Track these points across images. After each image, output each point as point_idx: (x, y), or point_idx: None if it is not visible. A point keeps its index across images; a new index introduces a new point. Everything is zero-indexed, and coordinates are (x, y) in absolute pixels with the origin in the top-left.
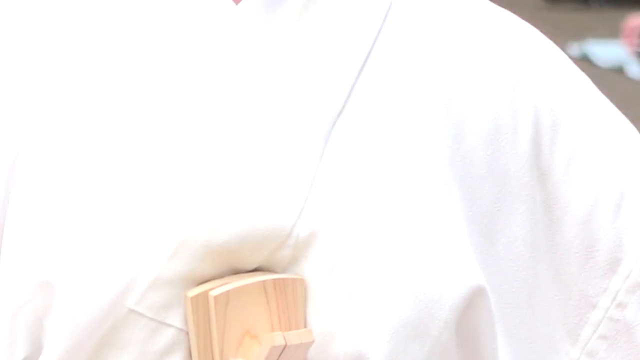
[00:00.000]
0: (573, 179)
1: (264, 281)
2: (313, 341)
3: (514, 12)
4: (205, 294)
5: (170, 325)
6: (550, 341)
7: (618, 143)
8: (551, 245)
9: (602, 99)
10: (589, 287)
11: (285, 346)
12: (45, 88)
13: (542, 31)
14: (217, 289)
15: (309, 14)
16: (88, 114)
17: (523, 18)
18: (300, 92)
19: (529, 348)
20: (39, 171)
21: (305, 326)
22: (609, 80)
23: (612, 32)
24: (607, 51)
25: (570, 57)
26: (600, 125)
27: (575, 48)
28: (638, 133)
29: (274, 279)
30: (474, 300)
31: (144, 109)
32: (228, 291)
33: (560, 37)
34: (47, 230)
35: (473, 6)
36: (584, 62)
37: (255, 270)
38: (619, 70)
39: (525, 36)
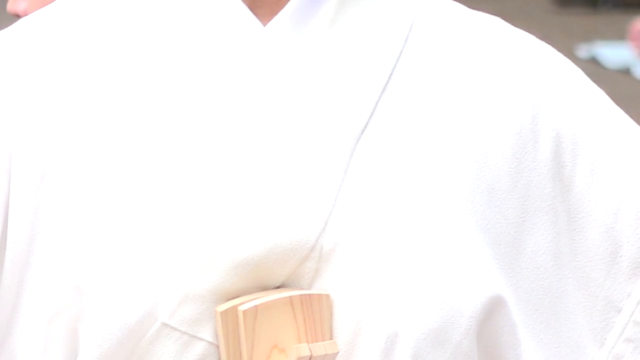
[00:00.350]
0: (596, 189)
1: (290, 296)
2: (338, 352)
3: (526, 16)
4: (234, 309)
5: (201, 339)
6: (576, 346)
7: (637, 152)
8: (575, 253)
9: (617, 110)
10: (614, 292)
11: (310, 357)
12: (81, 100)
13: (552, 34)
14: (246, 304)
15: (334, 32)
16: (121, 127)
17: (534, 22)
18: (326, 108)
19: (556, 352)
20: (74, 182)
21: (331, 339)
22: (617, 81)
23: (620, 35)
24: (614, 53)
25: (579, 59)
26: (619, 137)
27: (584, 50)
28: None
29: (301, 295)
30: (493, 310)
31: (174, 127)
32: (256, 306)
33: (569, 39)
34: (82, 239)
35: (492, 26)
36: (593, 64)
37: (282, 286)
38: (626, 72)
39: (543, 55)
